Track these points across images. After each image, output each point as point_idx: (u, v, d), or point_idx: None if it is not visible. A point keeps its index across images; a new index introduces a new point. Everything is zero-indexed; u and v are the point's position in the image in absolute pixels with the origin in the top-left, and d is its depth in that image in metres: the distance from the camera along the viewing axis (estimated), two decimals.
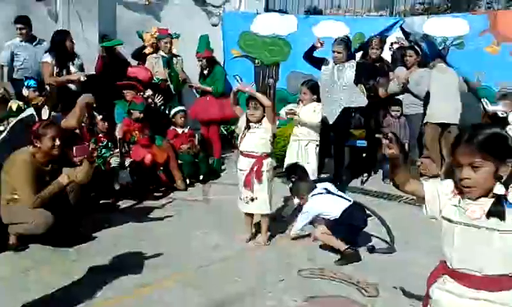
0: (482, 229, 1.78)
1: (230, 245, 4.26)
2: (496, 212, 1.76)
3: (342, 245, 3.98)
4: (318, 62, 5.86)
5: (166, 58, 6.86)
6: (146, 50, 6.96)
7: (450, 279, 1.87)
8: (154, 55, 6.90)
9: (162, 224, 4.72)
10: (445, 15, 7.04)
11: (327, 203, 4.17)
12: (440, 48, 6.85)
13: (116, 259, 3.87)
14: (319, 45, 5.68)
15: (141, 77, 6.55)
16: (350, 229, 4.06)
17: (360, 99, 5.81)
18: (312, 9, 10.46)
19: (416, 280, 3.54)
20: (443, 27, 6.89)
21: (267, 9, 9.42)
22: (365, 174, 6.50)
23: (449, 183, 1.92)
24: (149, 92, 6.41)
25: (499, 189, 1.76)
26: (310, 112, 5.23)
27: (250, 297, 3.36)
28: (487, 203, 1.78)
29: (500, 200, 1.76)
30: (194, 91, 7.07)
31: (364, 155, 6.57)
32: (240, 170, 4.28)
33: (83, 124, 5.24)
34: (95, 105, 4.96)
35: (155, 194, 5.70)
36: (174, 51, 7.02)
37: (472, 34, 6.70)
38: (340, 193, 4.36)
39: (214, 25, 7.94)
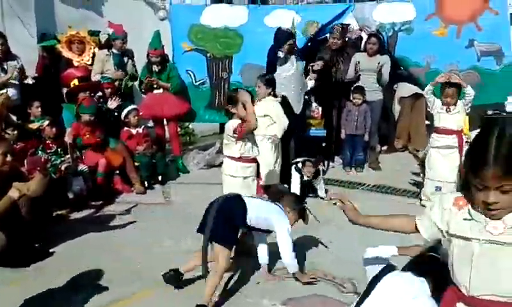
0: (507, 246, 1.56)
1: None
2: None
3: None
4: (275, 59, 5.86)
5: (118, 55, 6.54)
6: (64, 53, 6.51)
7: None
8: (105, 51, 6.54)
9: (125, 232, 4.49)
10: (394, 0, 7.08)
11: None
12: (389, 34, 6.93)
13: (79, 276, 3.62)
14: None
15: (82, 73, 6.21)
16: None
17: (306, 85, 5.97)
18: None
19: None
20: (392, 12, 6.97)
21: (213, 0, 9.22)
22: (326, 164, 6.50)
23: (447, 198, 1.74)
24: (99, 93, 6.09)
25: None
26: (264, 111, 5.09)
27: (227, 304, 3.24)
28: (508, 216, 1.58)
29: None
30: (138, 88, 6.76)
31: (323, 144, 6.56)
32: (247, 177, 3.91)
33: None
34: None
35: (113, 200, 5.42)
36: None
37: (418, 18, 6.81)
38: None
39: (162, 19, 7.64)
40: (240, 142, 3.80)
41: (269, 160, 5.06)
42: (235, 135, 3.75)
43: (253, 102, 3.87)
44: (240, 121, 3.74)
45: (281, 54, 5.77)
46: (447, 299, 1.76)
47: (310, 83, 6.44)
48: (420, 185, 5.48)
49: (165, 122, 6.75)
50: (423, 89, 6.81)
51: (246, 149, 3.84)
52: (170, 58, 7.02)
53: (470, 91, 4.87)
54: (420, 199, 5.15)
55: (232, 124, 3.78)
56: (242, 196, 3.46)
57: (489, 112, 6.01)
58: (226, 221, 3.23)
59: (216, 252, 3.19)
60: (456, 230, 1.67)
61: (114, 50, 6.53)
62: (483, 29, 6.50)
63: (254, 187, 3.99)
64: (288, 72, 5.73)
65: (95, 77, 6.41)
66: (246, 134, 3.78)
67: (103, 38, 7.01)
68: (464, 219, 1.66)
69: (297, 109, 5.74)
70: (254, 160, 3.96)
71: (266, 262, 3.60)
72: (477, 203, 1.61)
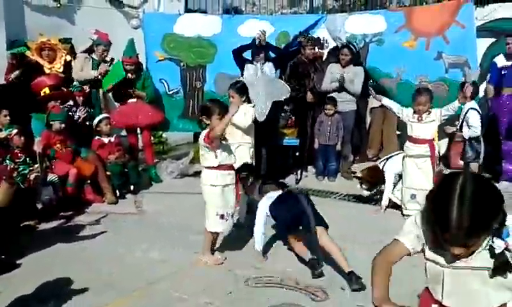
0: (476, 270, 1.64)
1: (173, 260, 4.05)
2: (502, 267, 1.59)
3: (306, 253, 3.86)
4: (242, 61, 5.93)
5: (97, 61, 6.50)
6: (36, 58, 6.41)
7: None
8: (85, 55, 6.50)
9: (95, 243, 4.41)
10: (365, 12, 7.23)
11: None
12: (361, 45, 7.04)
13: (46, 288, 3.53)
14: (262, 38, 5.94)
15: (53, 81, 6.12)
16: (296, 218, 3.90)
17: (283, 90, 5.96)
18: (232, 9, 10.43)
19: (366, 278, 3.60)
20: (363, 24, 7.08)
21: (186, 10, 9.24)
22: (299, 173, 6.55)
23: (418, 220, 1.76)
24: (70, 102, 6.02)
25: (499, 246, 1.59)
26: (241, 116, 5.14)
27: None
28: None
29: (502, 254, 1.59)
30: (111, 96, 6.71)
31: (297, 153, 6.62)
32: (227, 185, 3.91)
33: None
34: None
35: (84, 210, 5.33)
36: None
37: (389, 30, 6.94)
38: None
39: (135, 28, 7.59)
40: (216, 151, 3.81)
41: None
42: (209, 145, 3.78)
43: (225, 112, 3.88)
44: (207, 130, 3.80)
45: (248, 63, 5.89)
46: (423, 300, 1.82)
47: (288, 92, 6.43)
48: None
49: (138, 131, 6.71)
50: (394, 100, 6.96)
51: (223, 157, 3.85)
52: (144, 67, 6.99)
53: (455, 106, 4.96)
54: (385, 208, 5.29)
55: (204, 134, 3.81)
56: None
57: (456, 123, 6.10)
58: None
59: (320, 234, 3.71)
60: (428, 254, 1.73)
61: (94, 56, 6.49)
62: (451, 42, 6.66)
63: (233, 195, 3.99)
64: (251, 79, 5.79)
65: (77, 74, 6.41)
66: (214, 141, 3.77)
67: (86, 44, 6.95)
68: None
69: (261, 116, 5.74)
70: (232, 167, 3.98)
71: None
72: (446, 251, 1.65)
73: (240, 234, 4.40)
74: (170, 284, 3.61)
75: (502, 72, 6.67)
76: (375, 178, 5.34)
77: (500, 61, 6.71)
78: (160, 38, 7.20)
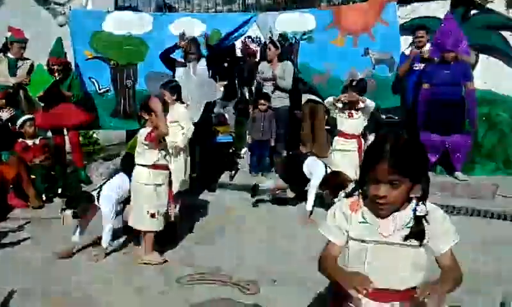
0: (396, 246, 1.75)
1: (102, 262, 3.94)
2: (418, 233, 1.73)
3: None
4: (171, 64, 5.85)
5: (14, 60, 6.16)
6: None
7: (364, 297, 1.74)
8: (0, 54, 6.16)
9: (20, 250, 4.19)
10: (295, 10, 7.37)
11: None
12: (292, 42, 7.16)
13: None
14: (182, 43, 5.77)
15: None
16: None
17: (212, 94, 5.96)
18: (164, 6, 10.24)
19: (296, 270, 3.67)
20: (293, 22, 7.21)
21: (116, 7, 8.98)
22: (233, 170, 6.56)
23: (344, 203, 1.86)
24: None
25: (421, 210, 1.73)
26: (172, 117, 5.05)
27: None
28: (397, 217, 1.75)
29: (420, 220, 1.73)
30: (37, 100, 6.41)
31: (230, 150, 6.62)
32: (159, 184, 3.89)
33: None
34: None
35: (7, 216, 5.07)
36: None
37: (318, 28, 7.11)
38: None
39: (61, 25, 7.29)
40: (155, 150, 3.80)
41: (178, 167, 5.01)
42: (150, 143, 3.75)
43: (166, 109, 3.89)
44: (151, 129, 3.76)
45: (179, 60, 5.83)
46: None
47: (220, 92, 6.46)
48: None
49: (65, 132, 6.45)
50: (323, 96, 7.13)
51: (160, 156, 3.85)
52: (72, 66, 6.73)
53: (370, 104, 5.10)
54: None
55: (145, 131, 3.78)
56: None
57: (383, 116, 6.37)
58: None
59: None
60: (354, 234, 1.81)
61: (10, 55, 6.15)
62: (376, 39, 6.93)
63: (166, 195, 3.96)
64: (182, 79, 5.73)
65: None
66: (158, 141, 3.77)
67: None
68: (360, 222, 1.81)
69: (195, 116, 5.69)
70: (167, 167, 3.96)
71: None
72: (370, 197, 1.75)
73: (171, 232, 4.33)
74: (101, 288, 3.50)
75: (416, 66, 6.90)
76: (335, 184, 5.16)
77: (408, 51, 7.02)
78: (88, 36, 6.96)
